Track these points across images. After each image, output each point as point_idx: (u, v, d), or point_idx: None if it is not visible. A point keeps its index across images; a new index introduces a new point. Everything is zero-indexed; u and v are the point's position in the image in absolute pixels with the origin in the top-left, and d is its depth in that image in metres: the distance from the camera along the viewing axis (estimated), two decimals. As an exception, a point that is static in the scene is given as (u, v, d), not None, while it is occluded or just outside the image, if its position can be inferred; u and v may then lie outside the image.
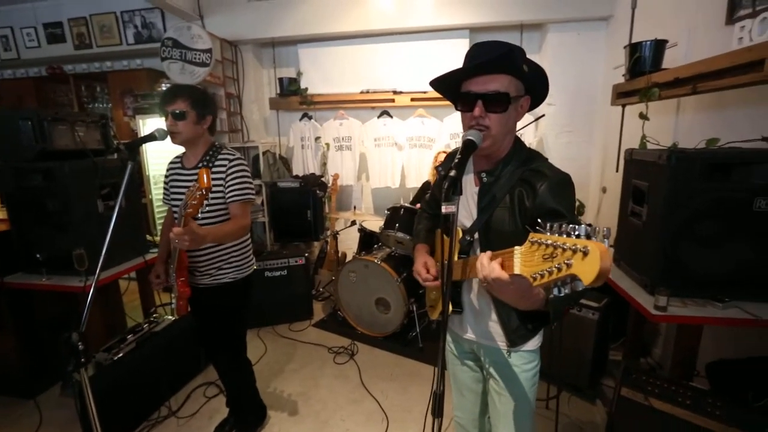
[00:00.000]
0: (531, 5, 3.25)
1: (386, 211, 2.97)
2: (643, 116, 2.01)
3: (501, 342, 1.19)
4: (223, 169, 1.65)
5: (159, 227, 3.91)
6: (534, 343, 1.21)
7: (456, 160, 0.96)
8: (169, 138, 1.61)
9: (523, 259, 0.75)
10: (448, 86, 1.12)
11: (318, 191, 3.61)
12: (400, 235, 2.78)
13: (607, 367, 2.36)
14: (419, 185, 3.63)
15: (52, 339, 2.45)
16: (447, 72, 1.06)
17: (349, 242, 3.99)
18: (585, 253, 0.58)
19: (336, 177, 3.73)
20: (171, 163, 1.81)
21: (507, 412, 1.22)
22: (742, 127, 1.85)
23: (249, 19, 3.67)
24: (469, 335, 1.26)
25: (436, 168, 1.36)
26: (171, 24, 3.51)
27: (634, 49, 2.15)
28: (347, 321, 3.06)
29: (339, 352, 2.76)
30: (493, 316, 1.19)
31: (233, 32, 3.71)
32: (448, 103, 4.37)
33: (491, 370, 1.25)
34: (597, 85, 3.33)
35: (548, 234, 0.70)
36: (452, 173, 0.93)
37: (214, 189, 1.55)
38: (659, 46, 2.09)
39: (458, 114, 3.76)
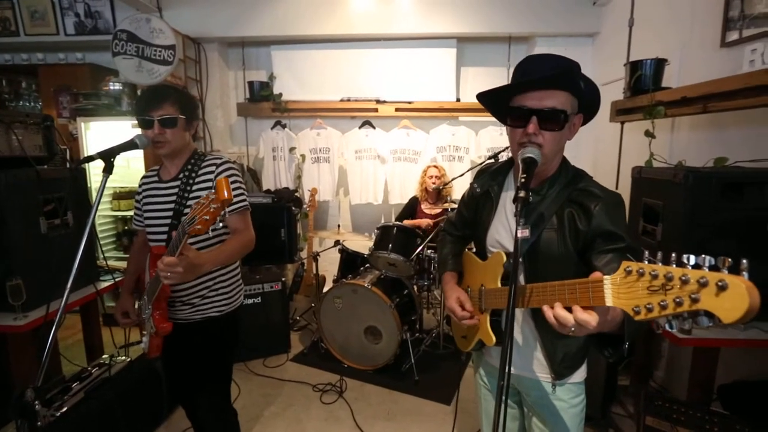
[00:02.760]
0: (520, 18, 3.42)
1: (375, 230, 2.91)
2: (650, 134, 2.14)
3: (545, 374, 1.17)
4: (211, 176, 1.53)
5: (104, 249, 3.55)
6: (580, 374, 1.19)
7: (521, 180, 0.94)
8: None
9: (617, 290, 0.73)
10: (496, 100, 1.11)
11: (293, 207, 3.47)
12: (393, 256, 2.72)
13: (616, 394, 2.42)
14: (403, 201, 3.63)
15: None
16: (502, 85, 1.06)
17: (326, 264, 3.86)
18: (722, 288, 0.56)
19: (314, 192, 3.63)
20: (145, 177, 1.64)
21: (554, 451, 1.19)
22: (739, 146, 2.02)
23: (215, 14, 3.53)
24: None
25: (471, 184, 1.33)
26: (123, 15, 3.29)
27: (634, 67, 2.30)
28: (331, 353, 2.92)
29: (325, 389, 2.61)
30: (537, 347, 1.17)
31: (196, 28, 3.55)
32: (434, 114, 4.42)
33: (535, 406, 1.22)
34: (584, 100, 3.54)
35: (647, 263, 0.68)
36: (521, 194, 0.90)
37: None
38: (660, 64, 2.25)
39: (445, 127, 3.79)
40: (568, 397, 1.18)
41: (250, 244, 1.51)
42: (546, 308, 0.84)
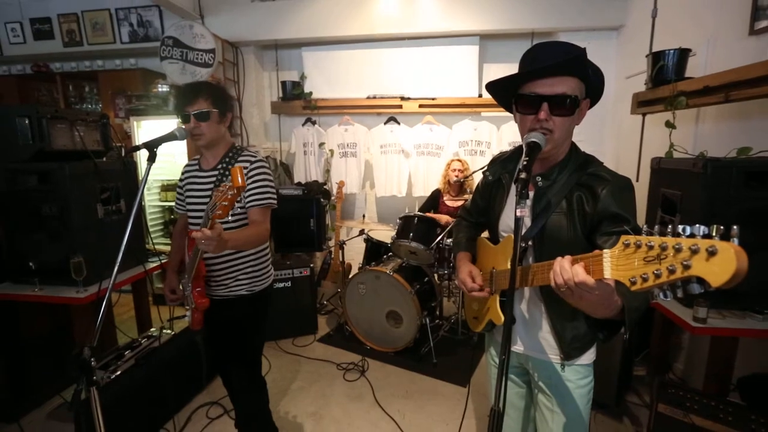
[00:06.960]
0: (542, 13, 3.32)
1: (398, 220, 2.95)
2: (670, 125, 2.05)
3: (554, 355, 1.17)
4: (245, 171, 1.60)
5: (153, 235, 3.79)
6: (589, 356, 1.18)
7: (524, 163, 0.95)
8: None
9: (615, 263, 0.73)
10: (504, 89, 1.11)
11: (322, 199, 3.56)
12: (414, 245, 2.75)
13: (632, 383, 2.36)
14: (426, 194, 3.64)
15: (40, 356, 2.33)
16: (512, 74, 1.05)
17: (352, 253, 3.94)
18: (712, 253, 0.56)
19: (341, 184, 3.71)
20: (187, 165, 1.76)
21: (559, 430, 1.19)
22: (765, 136, 1.89)
23: (251, 19, 3.66)
24: (518, 348, 1.23)
25: (484, 172, 1.34)
26: (170, 23, 3.47)
27: (657, 57, 2.21)
28: (355, 335, 3.00)
29: (349, 368, 2.69)
30: (546, 327, 1.17)
31: (234, 33, 3.69)
32: (457, 110, 4.37)
33: (542, 385, 1.22)
34: (608, 93, 3.37)
35: (644, 236, 0.69)
36: (522, 175, 0.92)
37: None
38: (683, 54, 2.15)
39: (467, 122, 3.73)
40: (576, 378, 1.17)
41: (265, 236, 1.58)
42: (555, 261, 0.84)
